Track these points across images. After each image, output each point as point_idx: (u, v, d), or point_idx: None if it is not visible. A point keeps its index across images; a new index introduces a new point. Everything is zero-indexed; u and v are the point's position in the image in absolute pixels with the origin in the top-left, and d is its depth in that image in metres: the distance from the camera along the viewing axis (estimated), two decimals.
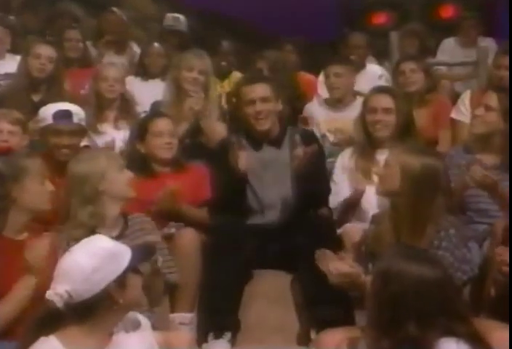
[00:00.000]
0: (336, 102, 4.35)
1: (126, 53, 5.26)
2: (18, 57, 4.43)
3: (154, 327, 2.39)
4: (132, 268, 2.14)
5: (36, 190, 2.75)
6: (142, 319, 2.27)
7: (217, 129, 4.02)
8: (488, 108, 3.25)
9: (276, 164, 3.46)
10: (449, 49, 5.72)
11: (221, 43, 5.16)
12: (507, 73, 4.01)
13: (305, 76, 5.11)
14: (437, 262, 2.05)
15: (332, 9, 6.47)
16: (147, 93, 4.59)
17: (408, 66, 4.34)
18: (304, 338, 3.08)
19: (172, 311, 3.18)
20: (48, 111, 3.49)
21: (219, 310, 3.08)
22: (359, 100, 3.90)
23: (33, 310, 2.40)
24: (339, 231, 3.36)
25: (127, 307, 2.15)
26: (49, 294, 2.07)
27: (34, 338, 2.06)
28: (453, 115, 4.21)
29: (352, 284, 2.48)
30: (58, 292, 2.05)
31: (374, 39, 5.49)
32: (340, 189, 3.46)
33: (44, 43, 4.37)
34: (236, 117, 3.72)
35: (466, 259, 2.62)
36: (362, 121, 3.48)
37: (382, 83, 4.80)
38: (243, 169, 3.32)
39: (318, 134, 4.18)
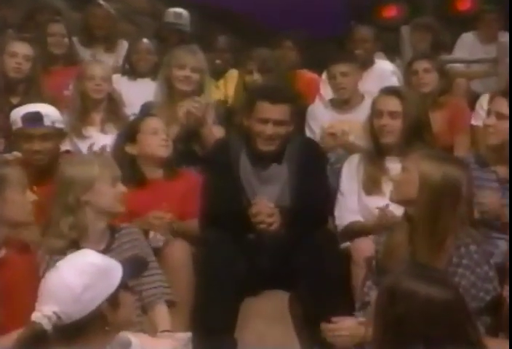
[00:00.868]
0: (342, 104, 4.37)
1: (117, 51, 5.25)
2: None
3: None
4: (123, 285, 2.14)
5: (17, 202, 2.74)
6: (133, 338, 2.25)
7: (215, 135, 4.04)
8: (499, 116, 3.21)
9: (275, 179, 3.47)
10: (468, 45, 5.72)
11: (217, 39, 5.17)
12: None
13: (306, 75, 5.12)
14: (448, 283, 2.05)
15: (337, 2, 6.50)
16: (135, 93, 4.61)
17: (421, 65, 4.37)
18: None
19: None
20: (17, 114, 3.51)
21: (214, 330, 3.12)
22: (368, 101, 3.92)
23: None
24: (346, 245, 3.39)
25: (119, 326, 2.15)
26: (36, 317, 2.05)
27: None
28: (472, 121, 4.25)
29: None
30: (46, 314, 2.04)
31: (384, 34, 5.49)
32: (348, 201, 3.46)
33: (19, 40, 4.36)
34: (239, 126, 3.71)
35: (488, 278, 2.61)
36: (370, 125, 3.50)
37: (395, 81, 4.83)
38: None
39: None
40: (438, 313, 1.94)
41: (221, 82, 5.07)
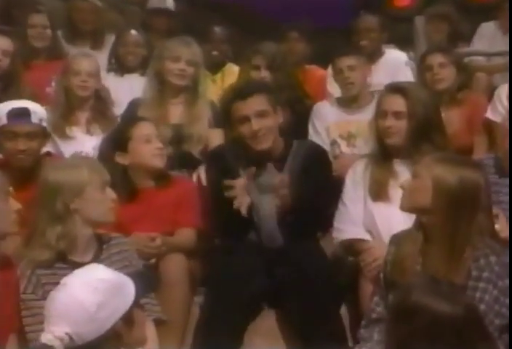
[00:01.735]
0: (350, 102, 4.40)
1: (104, 47, 5.23)
2: None
3: None
4: (137, 301, 2.16)
5: (1, 211, 2.72)
6: None
7: (213, 137, 4.11)
8: None
9: (275, 187, 3.44)
10: (488, 36, 5.67)
11: (213, 30, 5.20)
12: None
13: (316, 71, 5.15)
14: (460, 299, 2.09)
15: None
16: (123, 91, 4.66)
17: (436, 59, 4.40)
18: None
19: None
20: (2, 110, 3.51)
21: None
22: None
23: None
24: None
25: (133, 346, 2.18)
26: (47, 339, 2.07)
27: None
28: (488, 114, 4.27)
29: None
30: (58, 336, 2.05)
31: (396, 25, 5.53)
32: (351, 211, 3.48)
33: None
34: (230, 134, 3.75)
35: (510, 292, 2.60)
36: (375, 126, 3.51)
37: (408, 73, 4.87)
38: (244, 213, 3.33)
39: (327, 141, 4.29)
40: (446, 330, 1.98)
41: (218, 76, 5.11)
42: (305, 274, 3.23)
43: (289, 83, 4.44)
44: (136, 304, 2.16)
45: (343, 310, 3.45)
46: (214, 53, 5.07)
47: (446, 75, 4.37)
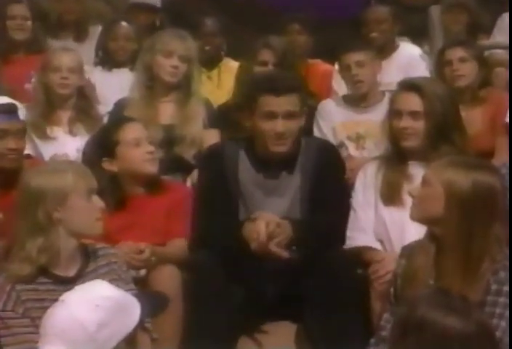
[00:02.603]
0: (359, 101, 4.44)
1: (89, 39, 5.30)
2: None
3: None
4: (142, 323, 2.19)
5: None
6: None
7: (208, 138, 4.15)
8: None
9: (284, 191, 3.53)
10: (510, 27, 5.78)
11: (204, 22, 5.25)
12: None
13: (320, 66, 5.19)
14: (472, 314, 2.10)
15: None
16: (111, 87, 4.71)
17: (455, 54, 4.41)
18: None
19: None
20: None
21: None
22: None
23: None
24: None
25: None
26: None
27: None
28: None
29: None
30: None
31: (410, 16, 5.54)
32: (361, 217, 3.52)
33: None
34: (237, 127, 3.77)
35: None
36: (388, 127, 3.54)
37: (423, 69, 4.90)
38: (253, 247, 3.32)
39: (334, 142, 4.25)
40: (455, 347, 2.00)
41: (214, 72, 5.17)
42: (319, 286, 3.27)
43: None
44: (141, 325, 2.19)
45: None
46: (207, 48, 5.12)
47: (467, 71, 4.39)
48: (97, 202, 2.90)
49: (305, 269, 3.35)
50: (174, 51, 4.26)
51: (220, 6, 5.84)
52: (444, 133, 3.44)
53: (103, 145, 3.65)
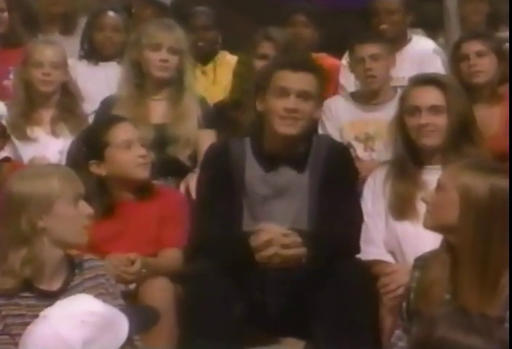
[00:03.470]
0: (369, 98, 4.47)
1: (76, 31, 5.31)
2: None
3: None
4: (130, 340, 2.21)
5: None
6: None
7: (203, 139, 4.17)
8: None
9: (293, 191, 3.55)
10: None
11: (196, 13, 5.28)
12: None
13: (326, 60, 5.16)
14: (495, 334, 2.12)
15: None
16: (97, 82, 4.77)
17: (473, 47, 4.42)
18: None
19: None
20: None
21: None
22: None
23: None
24: None
25: None
26: None
27: None
28: None
29: None
30: None
31: (424, 5, 5.56)
32: (371, 229, 3.53)
33: None
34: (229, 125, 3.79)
35: None
36: (401, 125, 3.56)
37: (438, 65, 4.91)
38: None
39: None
40: None
41: (209, 67, 5.21)
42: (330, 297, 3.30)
43: None
44: (129, 343, 2.20)
45: None
46: (200, 44, 5.15)
47: (485, 67, 4.40)
48: (85, 208, 2.90)
49: (313, 281, 3.37)
50: (162, 43, 4.28)
51: None
52: (465, 131, 3.46)
53: (91, 146, 3.67)
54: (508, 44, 5.12)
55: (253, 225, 3.46)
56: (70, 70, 4.56)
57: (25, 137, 4.32)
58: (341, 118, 4.46)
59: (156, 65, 4.29)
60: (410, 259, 3.23)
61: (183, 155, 4.25)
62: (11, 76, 4.57)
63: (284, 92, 3.50)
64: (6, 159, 3.90)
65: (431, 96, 3.50)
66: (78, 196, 2.89)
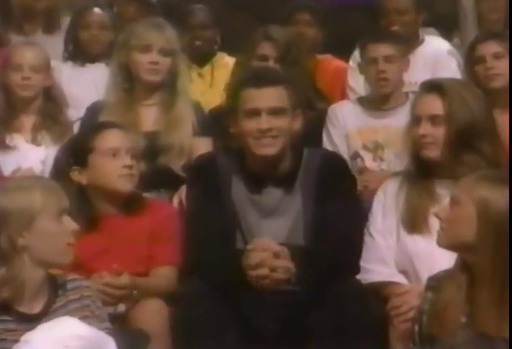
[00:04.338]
0: (379, 103, 4.47)
1: (60, 30, 5.32)
2: None
3: None
4: None
5: None
6: None
7: (198, 147, 4.17)
8: None
9: (283, 212, 3.55)
10: None
11: (193, 12, 5.31)
12: None
13: (331, 62, 5.22)
14: None
15: None
16: (83, 85, 4.79)
17: (490, 49, 4.45)
18: None
19: None
20: None
21: None
22: None
23: None
24: None
25: None
26: None
27: None
28: None
29: None
30: None
31: (437, 2, 5.60)
32: (380, 246, 3.54)
33: None
34: (226, 133, 3.78)
35: None
36: (408, 135, 3.56)
37: (453, 67, 4.92)
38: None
39: (346, 153, 4.33)
40: None
41: (206, 69, 5.23)
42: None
43: (303, 78, 4.50)
44: None
45: None
46: (198, 43, 5.18)
47: (503, 69, 4.41)
48: (69, 224, 2.91)
49: (310, 303, 3.38)
50: (151, 44, 4.29)
51: None
52: (467, 142, 3.45)
53: (75, 151, 3.69)
54: None
55: (247, 241, 3.48)
56: (54, 73, 4.59)
57: (3, 146, 4.34)
58: (348, 124, 4.46)
59: (146, 68, 4.29)
60: (424, 279, 3.20)
61: (177, 165, 4.25)
62: None
63: (254, 112, 3.51)
64: None
65: (431, 104, 3.50)
66: (62, 211, 2.89)
